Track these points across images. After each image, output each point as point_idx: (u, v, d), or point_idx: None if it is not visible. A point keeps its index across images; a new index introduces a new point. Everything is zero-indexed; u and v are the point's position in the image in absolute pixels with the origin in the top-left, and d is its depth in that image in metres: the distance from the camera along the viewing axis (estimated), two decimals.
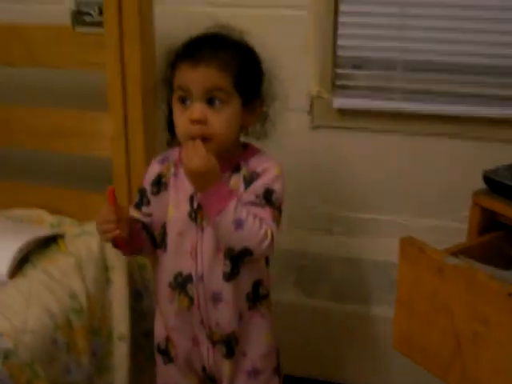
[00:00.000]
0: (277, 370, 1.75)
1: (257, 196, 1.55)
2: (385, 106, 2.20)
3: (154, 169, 1.69)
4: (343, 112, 2.25)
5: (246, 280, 1.62)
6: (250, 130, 1.65)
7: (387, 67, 2.19)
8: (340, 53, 2.21)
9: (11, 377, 1.54)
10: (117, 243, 1.60)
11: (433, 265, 1.50)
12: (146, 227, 1.69)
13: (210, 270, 1.59)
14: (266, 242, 1.51)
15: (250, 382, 1.69)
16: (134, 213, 1.70)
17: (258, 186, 1.56)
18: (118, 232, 1.54)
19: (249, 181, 1.57)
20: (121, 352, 1.92)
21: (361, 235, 2.34)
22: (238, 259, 1.58)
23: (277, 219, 1.56)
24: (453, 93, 2.15)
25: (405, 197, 2.30)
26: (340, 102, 2.23)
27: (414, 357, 1.62)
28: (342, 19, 2.17)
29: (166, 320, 1.71)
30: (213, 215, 1.50)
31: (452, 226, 2.19)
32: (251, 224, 1.49)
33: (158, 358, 1.78)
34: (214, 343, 1.66)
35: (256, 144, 1.68)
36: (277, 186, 1.57)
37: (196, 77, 1.50)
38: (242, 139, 1.67)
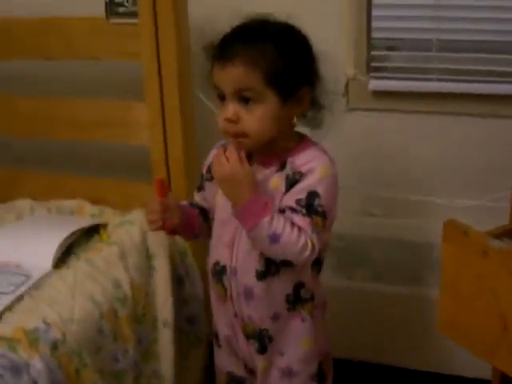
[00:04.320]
0: (315, 377, 1.65)
1: (298, 201, 1.46)
2: (421, 87, 2.20)
3: (212, 154, 1.64)
4: (379, 94, 2.25)
5: (285, 281, 1.55)
6: (304, 119, 1.56)
7: (423, 48, 2.18)
8: (375, 35, 2.20)
9: (60, 366, 1.56)
10: (166, 231, 1.62)
11: (477, 248, 1.48)
12: (205, 212, 1.69)
13: (244, 266, 1.55)
14: (306, 253, 1.44)
15: (282, 380, 1.64)
16: (196, 196, 1.72)
17: (301, 189, 1.47)
18: (160, 223, 1.57)
19: (291, 181, 1.49)
20: (165, 338, 1.93)
21: (399, 216, 2.34)
22: (274, 261, 1.52)
23: (319, 226, 1.47)
24: (489, 72, 2.14)
25: (442, 177, 2.29)
26: (375, 83, 2.24)
27: (458, 339, 1.62)
28: (376, 1, 2.16)
29: (212, 305, 1.70)
30: (246, 231, 1.47)
31: (488, 206, 2.17)
32: (288, 237, 1.42)
33: (214, 342, 1.76)
34: (247, 337, 1.63)
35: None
36: (321, 189, 1.47)
37: (225, 77, 1.45)
38: (300, 129, 1.58)
